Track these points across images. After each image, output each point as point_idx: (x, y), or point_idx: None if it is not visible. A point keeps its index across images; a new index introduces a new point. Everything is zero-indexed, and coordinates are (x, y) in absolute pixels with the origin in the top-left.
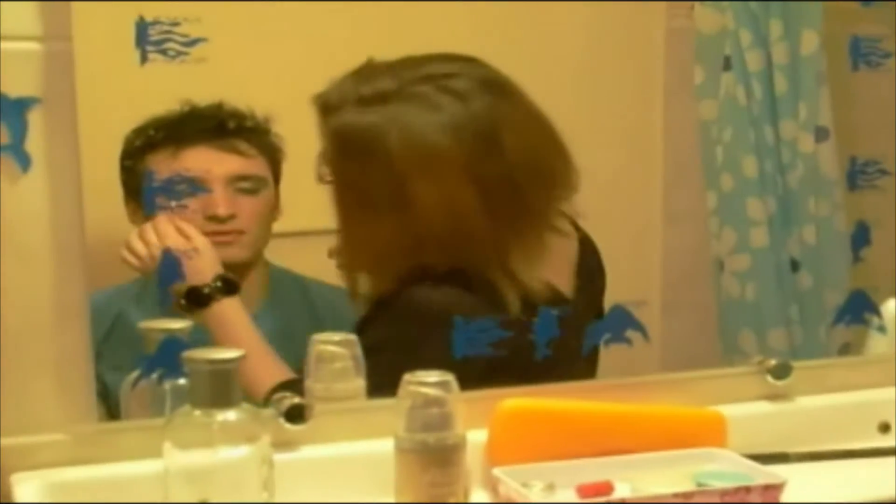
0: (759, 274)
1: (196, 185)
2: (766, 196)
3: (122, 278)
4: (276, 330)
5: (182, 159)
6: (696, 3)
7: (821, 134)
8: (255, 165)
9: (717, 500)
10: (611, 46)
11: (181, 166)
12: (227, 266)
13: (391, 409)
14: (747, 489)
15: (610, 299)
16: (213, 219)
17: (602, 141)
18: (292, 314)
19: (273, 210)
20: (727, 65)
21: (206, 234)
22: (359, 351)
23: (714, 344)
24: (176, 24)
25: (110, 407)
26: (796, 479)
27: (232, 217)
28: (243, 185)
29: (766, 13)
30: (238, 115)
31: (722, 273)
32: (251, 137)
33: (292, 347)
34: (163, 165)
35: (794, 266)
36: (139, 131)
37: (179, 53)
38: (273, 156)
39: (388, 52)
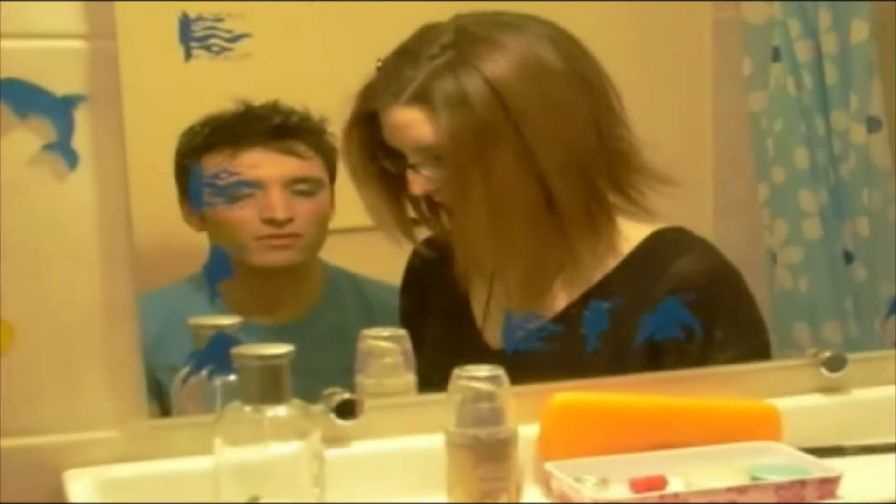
0: (812, 266)
1: (253, 187)
2: (818, 188)
3: (170, 274)
4: (330, 329)
5: (239, 161)
6: None
7: (873, 124)
8: (311, 167)
9: (773, 494)
10: (658, 38)
11: (238, 168)
12: (283, 269)
13: (442, 405)
14: (803, 483)
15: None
16: (271, 222)
17: (651, 133)
18: (347, 313)
19: (329, 210)
20: (776, 55)
21: (263, 237)
22: (409, 346)
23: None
24: (220, 19)
25: (165, 406)
26: (852, 473)
27: (289, 220)
28: (300, 187)
29: (814, 3)
30: (295, 116)
31: (775, 265)
32: (308, 139)
33: (347, 346)
34: (219, 167)
35: (848, 258)
36: (194, 130)
37: (223, 49)
38: (329, 156)
39: None
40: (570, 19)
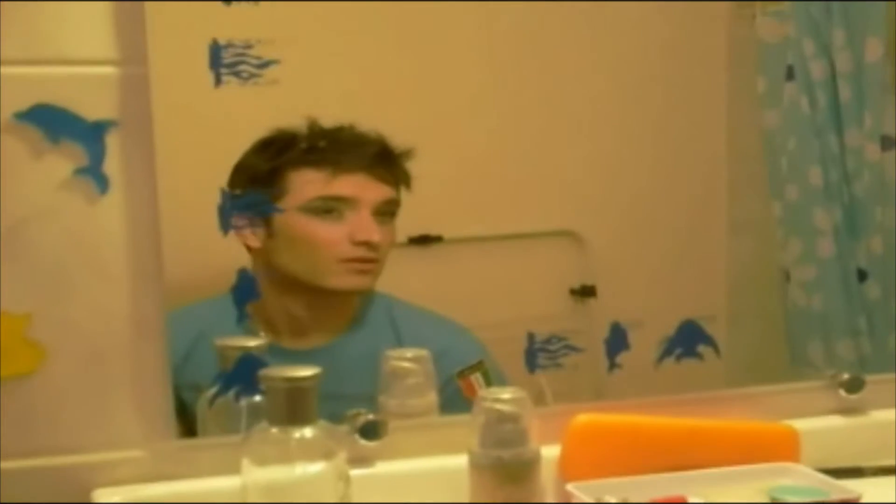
0: (825, 284)
1: (348, 208)
2: (832, 205)
3: (195, 298)
4: (361, 352)
5: (339, 182)
6: (758, 13)
7: (886, 143)
8: (395, 194)
9: None
10: (673, 56)
11: (336, 188)
12: (349, 293)
13: (464, 425)
14: None
15: (677, 312)
16: (363, 245)
17: (665, 151)
18: (377, 335)
19: (395, 237)
20: (790, 74)
21: (349, 259)
22: (431, 367)
23: (781, 355)
24: (249, 46)
25: (189, 425)
26: (871, 494)
27: (379, 245)
28: (385, 213)
29: (828, 21)
30: (385, 144)
31: (788, 283)
32: (393, 166)
33: (373, 374)
34: (317, 184)
35: (862, 276)
36: (277, 144)
37: (252, 75)
38: (403, 184)
39: (463, 75)
40: (585, 36)
